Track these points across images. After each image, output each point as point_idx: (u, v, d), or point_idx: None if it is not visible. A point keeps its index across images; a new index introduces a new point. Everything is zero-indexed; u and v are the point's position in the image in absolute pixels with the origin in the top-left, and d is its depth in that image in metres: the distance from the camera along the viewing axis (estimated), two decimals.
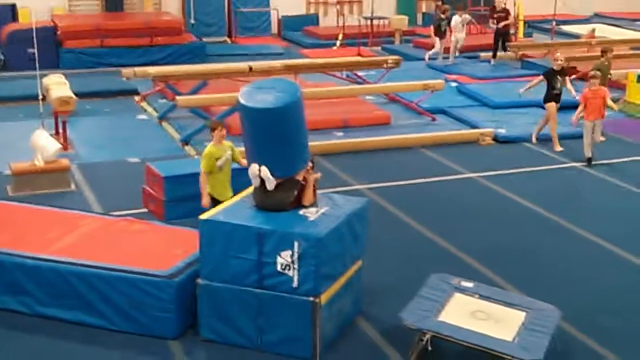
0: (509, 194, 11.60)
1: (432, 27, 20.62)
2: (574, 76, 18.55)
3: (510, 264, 9.32)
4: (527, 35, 24.64)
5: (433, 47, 20.61)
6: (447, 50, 20.47)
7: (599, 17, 28.76)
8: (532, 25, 26.08)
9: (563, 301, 7.97)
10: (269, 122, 7.19)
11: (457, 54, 20.54)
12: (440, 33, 20.31)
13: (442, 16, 20.44)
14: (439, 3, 24.98)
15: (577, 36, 24.09)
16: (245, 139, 7.52)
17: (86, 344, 7.42)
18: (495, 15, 20.65)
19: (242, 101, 7.26)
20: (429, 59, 20.54)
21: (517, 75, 19.07)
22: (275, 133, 7.23)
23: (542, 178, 12.46)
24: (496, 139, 14.21)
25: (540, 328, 7.07)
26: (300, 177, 7.48)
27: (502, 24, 20.38)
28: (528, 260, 9.46)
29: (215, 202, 8.58)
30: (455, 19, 20.17)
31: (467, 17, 20.67)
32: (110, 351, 7.34)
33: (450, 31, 20.26)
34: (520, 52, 20.74)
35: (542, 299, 7.79)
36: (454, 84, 17.79)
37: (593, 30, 23.13)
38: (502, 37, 20.60)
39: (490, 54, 20.76)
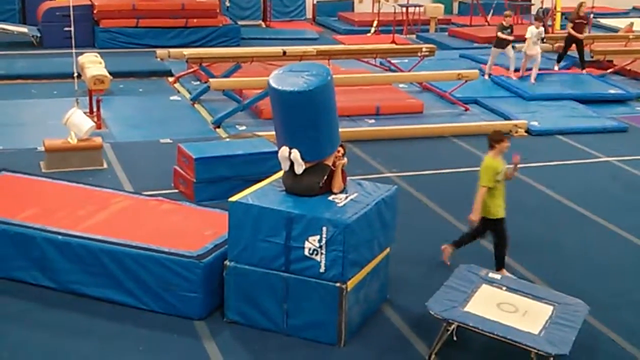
0: (540, 187, 11.53)
1: (499, 36, 17.32)
2: (610, 70, 18.43)
3: (538, 257, 9.27)
4: (563, 27, 24.35)
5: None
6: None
7: (637, 11, 28.41)
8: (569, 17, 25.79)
9: (590, 295, 7.92)
10: (298, 105, 7.19)
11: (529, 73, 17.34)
12: (502, 43, 17.28)
13: (504, 24, 17.32)
14: None
15: (614, 30, 23.83)
16: (275, 122, 7.53)
17: (113, 321, 7.50)
18: (576, 21, 18.18)
19: (273, 84, 7.27)
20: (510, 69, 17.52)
21: (552, 67, 18.89)
22: (304, 116, 7.23)
23: (575, 172, 12.36)
24: (529, 131, 14.11)
25: (568, 322, 7.02)
26: (329, 162, 7.47)
27: (583, 35, 18.21)
28: (557, 253, 9.40)
29: (486, 222, 8.40)
30: (531, 31, 17.03)
31: (543, 30, 17.67)
32: (137, 329, 7.40)
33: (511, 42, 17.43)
34: (557, 44, 20.53)
35: (570, 293, 7.74)
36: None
37: (631, 24, 22.84)
38: (579, 44, 18.28)
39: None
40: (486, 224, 8.43)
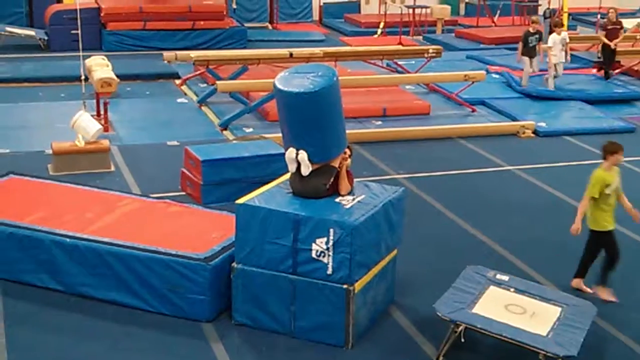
0: (547, 188, 11.50)
1: (519, 46, 16.61)
2: (618, 70, 18.37)
3: (546, 258, 9.25)
4: (571, 28, 24.34)
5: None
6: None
7: None
8: (577, 17, 25.79)
9: (599, 297, 7.89)
10: (304, 107, 7.18)
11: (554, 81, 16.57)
12: (530, 51, 16.45)
13: (531, 30, 16.60)
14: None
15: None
16: (281, 123, 7.53)
17: (121, 324, 7.51)
18: (608, 27, 17.64)
19: (279, 85, 7.27)
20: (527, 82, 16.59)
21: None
22: (310, 118, 7.21)
23: (582, 172, 12.27)
24: (536, 132, 14.09)
25: (576, 324, 7.01)
26: (336, 164, 7.46)
27: (616, 41, 17.48)
28: (565, 254, 9.36)
29: (596, 235, 8.11)
30: (554, 38, 16.32)
31: (566, 35, 16.78)
32: (145, 331, 7.41)
33: (541, 50, 16.65)
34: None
35: (578, 294, 7.73)
36: (495, 75, 17.63)
37: (639, 25, 22.78)
38: (612, 54, 17.77)
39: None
40: (596, 236, 8.17)
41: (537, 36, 16.42)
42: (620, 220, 10.29)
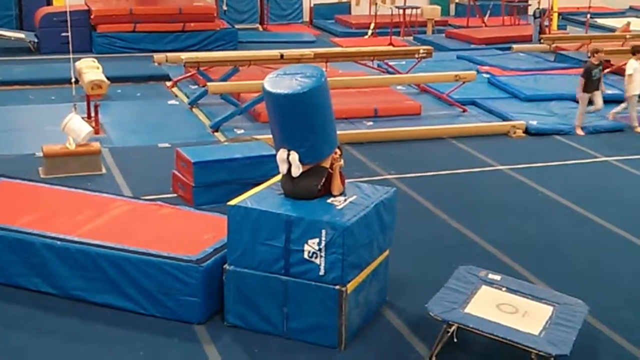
0: (539, 187, 11.53)
1: (580, 81, 14.09)
2: (607, 70, 18.42)
3: (538, 257, 9.27)
4: (561, 27, 24.44)
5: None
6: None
7: (634, 11, 28.45)
8: (566, 17, 25.88)
9: (590, 295, 7.92)
10: (293, 108, 7.17)
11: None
12: (594, 85, 14.08)
13: (594, 62, 14.09)
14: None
15: (611, 29, 23.86)
16: (271, 125, 7.52)
17: (113, 326, 7.49)
18: None
19: (267, 88, 7.26)
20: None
21: (550, 67, 18.92)
22: (299, 119, 7.21)
23: (573, 171, 12.37)
24: (527, 131, 14.12)
25: (568, 322, 7.02)
26: (327, 165, 7.47)
27: None
28: (556, 254, 9.40)
29: None
30: (633, 65, 14.22)
31: None
32: (136, 334, 7.40)
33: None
34: (554, 45, 20.56)
35: (570, 293, 7.74)
36: (486, 76, 17.66)
37: (628, 24, 22.88)
38: None
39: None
40: None
41: (599, 69, 14.14)
42: (617, 221, 10.36)
